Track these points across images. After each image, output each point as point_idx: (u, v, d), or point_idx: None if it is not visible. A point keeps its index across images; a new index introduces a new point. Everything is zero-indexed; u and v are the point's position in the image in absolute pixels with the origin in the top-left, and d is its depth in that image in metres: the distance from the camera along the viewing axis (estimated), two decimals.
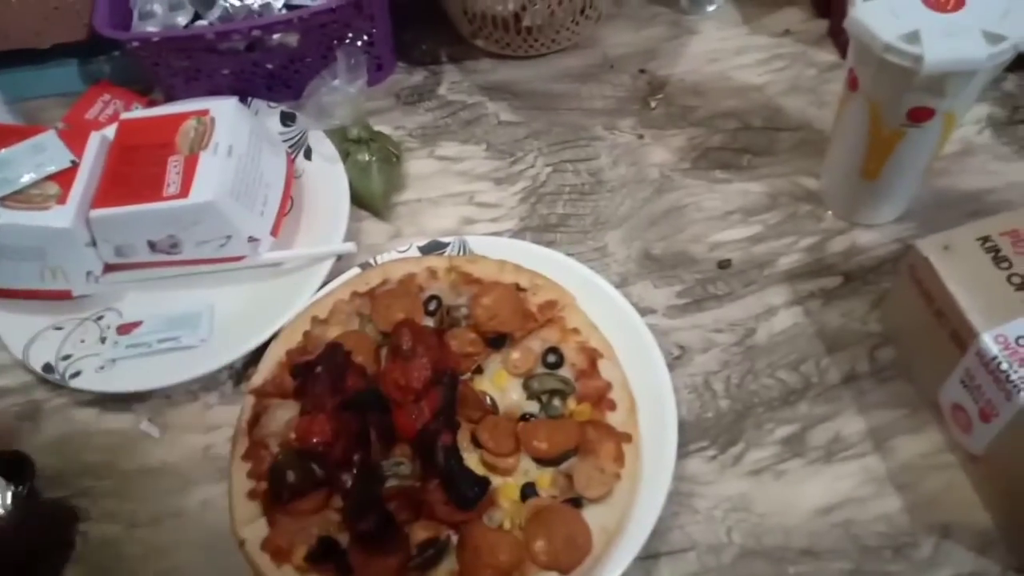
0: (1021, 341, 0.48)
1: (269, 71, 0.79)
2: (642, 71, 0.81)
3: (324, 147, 0.76)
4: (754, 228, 0.68)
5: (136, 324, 0.69)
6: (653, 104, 0.78)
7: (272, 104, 0.79)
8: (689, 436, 0.58)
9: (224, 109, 0.70)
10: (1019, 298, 0.50)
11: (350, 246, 0.70)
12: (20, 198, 0.66)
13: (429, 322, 0.63)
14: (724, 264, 0.67)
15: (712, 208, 0.70)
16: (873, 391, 0.59)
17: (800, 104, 0.76)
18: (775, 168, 0.72)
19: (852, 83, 0.59)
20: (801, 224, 0.68)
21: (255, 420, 0.59)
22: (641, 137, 0.76)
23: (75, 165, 0.68)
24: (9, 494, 0.54)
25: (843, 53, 0.79)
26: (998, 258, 0.52)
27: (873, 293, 0.63)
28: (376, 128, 0.78)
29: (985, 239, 0.53)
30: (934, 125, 0.57)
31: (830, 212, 0.68)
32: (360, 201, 0.75)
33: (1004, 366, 0.48)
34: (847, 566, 0.52)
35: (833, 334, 0.62)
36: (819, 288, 0.64)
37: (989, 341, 0.49)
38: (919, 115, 0.56)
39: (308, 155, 0.77)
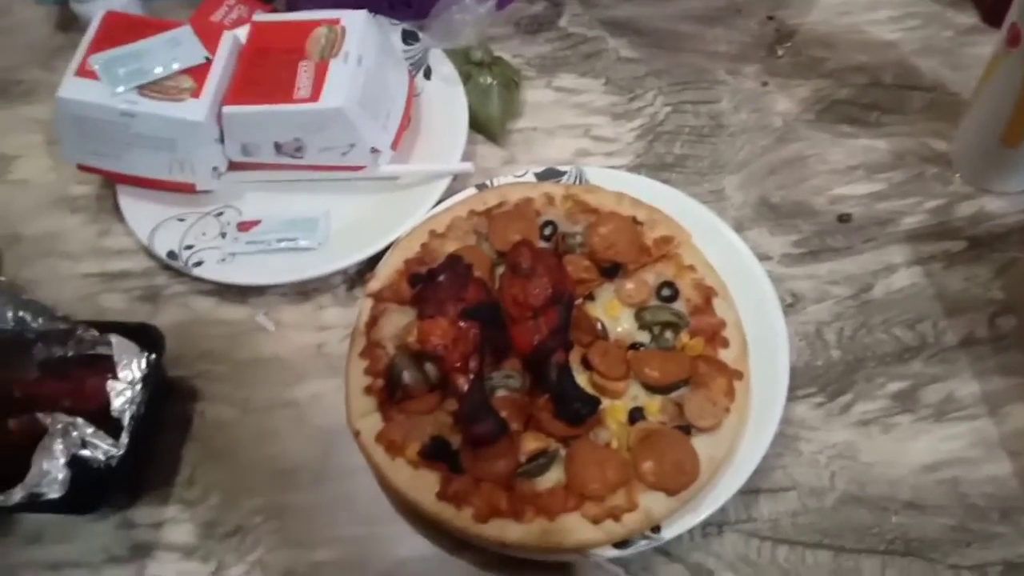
0: None
1: None
2: (770, 18, 0.79)
3: (444, 68, 0.77)
4: (878, 185, 0.67)
5: (255, 223, 0.71)
6: (780, 52, 0.77)
7: (394, 21, 0.79)
8: (798, 382, 0.58)
9: (355, 20, 0.71)
10: None
11: (468, 166, 0.71)
12: (156, 89, 0.68)
13: (544, 246, 0.63)
14: (844, 218, 0.66)
15: (835, 161, 0.69)
16: (990, 357, 0.58)
17: (933, 65, 0.74)
18: (904, 127, 0.70)
19: (1013, 39, 0.57)
20: (927, 185, 0.67)
21: (373, 322, 0.60)
22: (765, 84, 0.75)
23: (208, 61, 0.70)
24: (144, 360, 0.57)
25: (984, 16, 0.76)
26: None
27: (999, 261, 0.62)
28: (495, 54, 0.78)
29: None
30: None
31: (958, 176, 0.67)
32: (477, 125, 0.75)
33: None
34: (951, 522, 0.52)
35: (953, 297, 0.61)
36: (942, 251, 0.63)
37: None
38: None
39: (427, 75, 0.77)
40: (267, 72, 0.69)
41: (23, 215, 0.75)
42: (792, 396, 0.57)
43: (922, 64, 0.74)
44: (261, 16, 0.75)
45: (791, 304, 0.62)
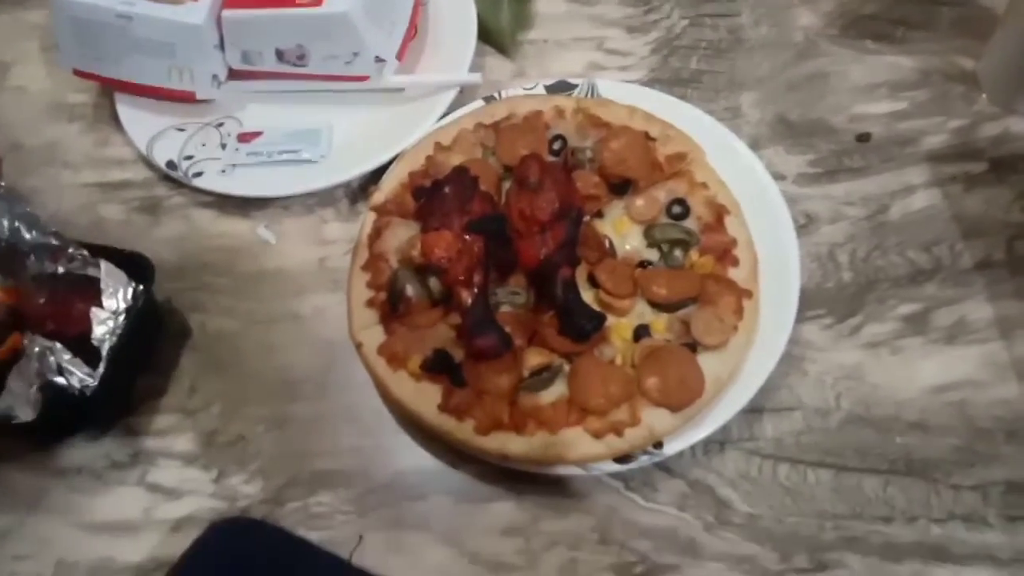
0: None
1: None
2: None
3: None
4: (900, 104, 0.65)
5: (256, 134, 0.69)
6: None
7: None
8: (808, 303, 0.57)
9: None
10: None
11: (476, 77, 0.68)
12: None
13: (553, 161, 0.62)
14: (864, 137, 0.64)
15: (857, 79, 0.67)
16: (1006, 281, 0.57)
17: None
18: (931, 44, 0.67)
19: None
20: (952, 105, 0.64)
21: (376, 235, 0.59)
22: None
23: None
24: (130, 290, 0.56)
25: None
26: None
27: (1020, 184, 0.60)
28: None
29: None
30: None
31: (985, 96, 0.64)
32: (486, 36, 0.72)
33: None
34: (956, 443, 0.52)
35: (972, 220, 0.59)
36: (963, 172, 0.61)
37: None
38: None
39: None
40: None
41: (21, 123, 0.74)
42: (801, 317, 0.56)
43: None
44: None
45: (804, 225, 0.61)
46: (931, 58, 0.67)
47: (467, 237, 0.55)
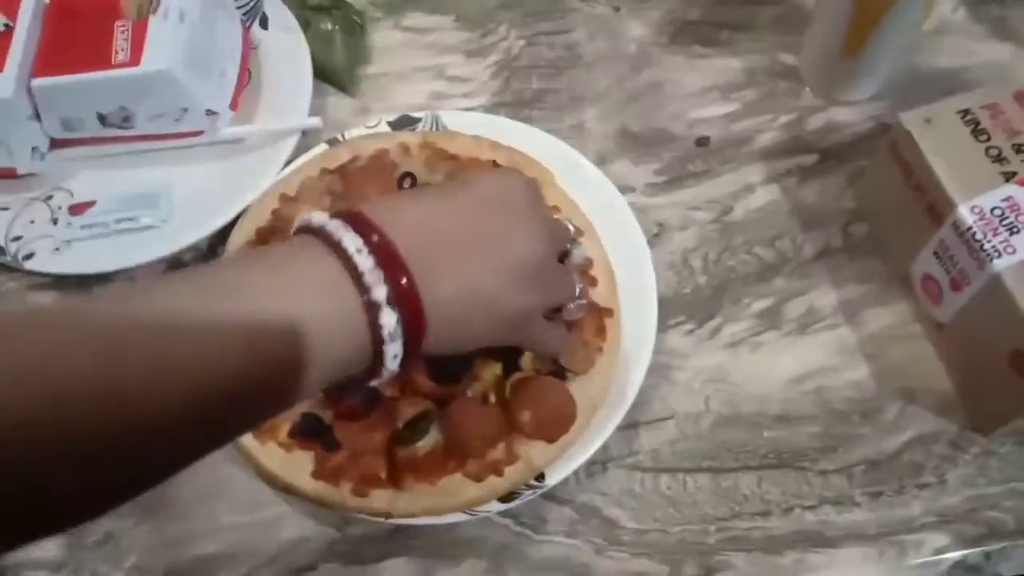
0: (995, 211, 0.49)
1: None
2: None
3: (281, 16, 0.72)
4: (732, 105, 0.68)
5: (90, 204, 0.65)
6: None
7: None
8: (668, 311, 0.58)
9: None
10: (995, 170, 0.51)
11: (315, 121, 0.67)
12: None
13: None
14: (702, 141, 0.66)
15: (690, 85, 0.69)
16: (846, 266, 0.60)
17: None
18: (754, 44, 0.70)
19: None
20: (779, 101, 0.67)
21: None
22: (618, 10, 0.73)
23: (9, 29, 0.63)
24: None
25: None
26: (977, 131, 0.52)
27: (848, 171, 0.64)
28: None
29: (965, 112, 0.53)
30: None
31: (808, 89, 0.68)
32: (323, 74, 0.71)
33: (979, 235, 0.49)
34: (818, 429, 0.55)
35: (809, 211, 0.62)
36: (796, 165, 0.64)
37: (965, 212, 0.50)
38: None
39: (264, 24, 0.72)
40: (78, 37, 0.62)
41: None
42: (664, 326, 0.57)
43: None
44: None
45: (657, 234, 0.62)
46: (756, 57, 0.70)
47: None
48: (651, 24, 0.72)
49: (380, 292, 0.37)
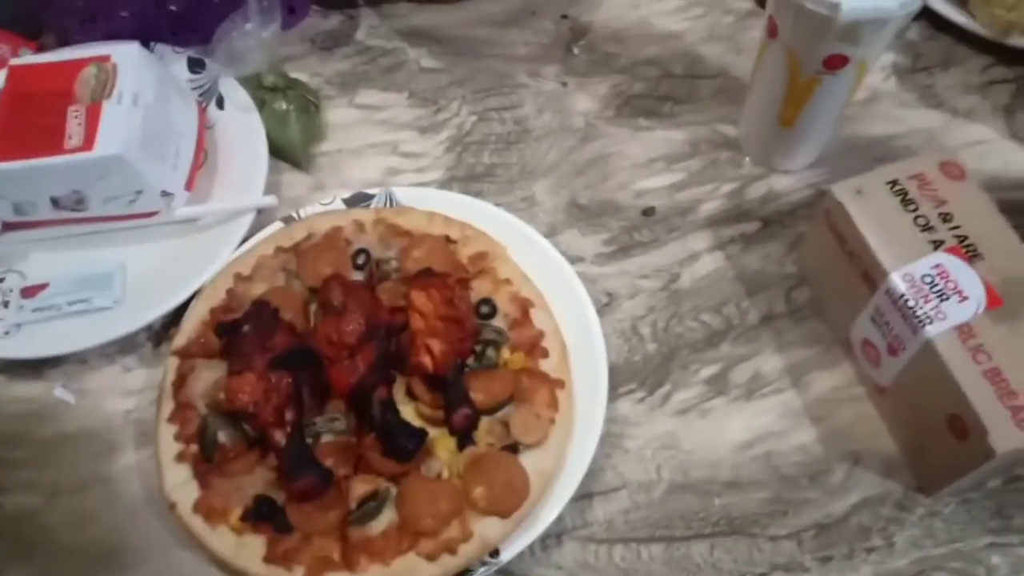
0: (926, 279, 0.51)
1: (173, 13, 0.74)
2: (564, 17, 0.80)
3: (237, 95, 0.73)
4: (677, 175, 0.70)
5: (42, 286, 0.65)
6: (576, 51, 0.78)
7: (178, 49, 0.75)
8: (619, 379, 0.59)
9: (126, 55, 0.66)
10: (924, 239, 0.53)
11: (270, 199, 0.68)
12: None
13: (359, 276, 0.62)
14: (648, 211, 0.68)
15: (636, 156, 0.71)
16: (790, 330, 0.62)
17: (718, 51, 0.77)
18: (696, 116, 0.73)
19: (771, 31, 0.60)
20: (721, 171, 0.70)
21: (181, 381, 0.57)
22: (565, 85, 0.76)
23: None
24: None
25: (759, 1, 0.80)
26: (906, 200, 0.55)
27: (789, 236, 0.66)
28: (292, 75, 0.75)
29: (894, 183, 0.55)
30: (848, 72, 0.59)
31: (748, 159, 0.70)
32: (279, 152, 0.72)
33: (911, 303, 0.51)
34: (768, 495, 0.55)
35: (752, 277, 0.64)
36: (739, 233, 0.66)
37: (897, 280, 0.52)
38: (834, 62, 0.58)
39: (220, 104, 0.73)
40: (32, 121, 0.63)
41: None
42: (615, 395, 0.58)
43: (707, 52, 0.77)
44: (20, 59, 0.69)
45: (607, 303, 0.63)
46: (698, 128, 0.72)
47: (272, 375, 0.54)
48: (597, 98, 0.75)
49: None
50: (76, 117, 0.63)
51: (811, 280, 0.63)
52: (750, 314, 0.62)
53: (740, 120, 0.71)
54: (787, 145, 0.67)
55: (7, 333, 0.63)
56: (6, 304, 0.64)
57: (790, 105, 0.63)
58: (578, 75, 0.77)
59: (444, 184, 0.70)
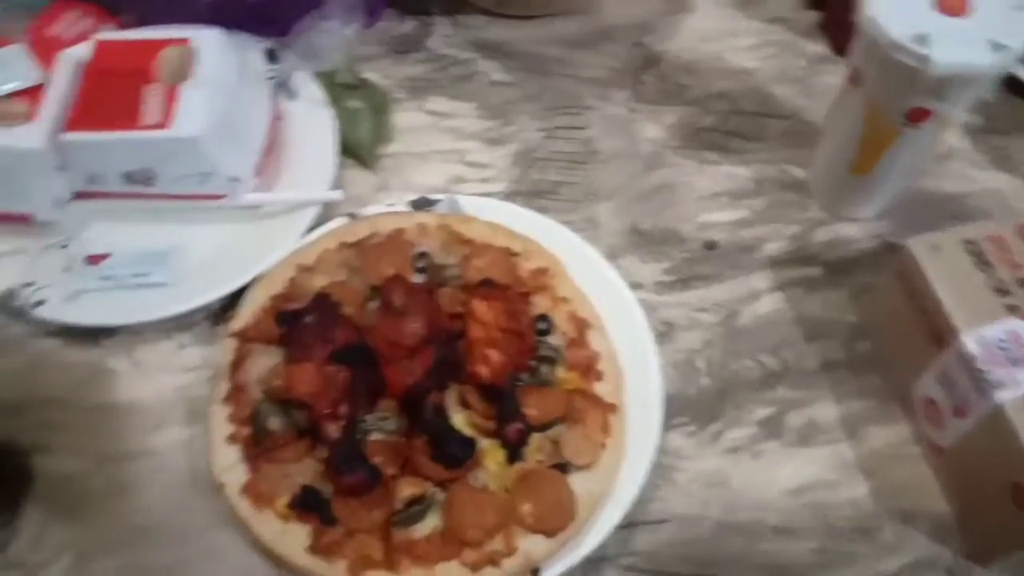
0: (1000, 344, 0.51)
1: (254, 3, 0.75)
2: (638, 44, 0.81)
3: (310, 89, 0.74)
4: (741, 212, 0.70)
5: (104, 256, 0.66)
6: (647, 78, 0.78)
7: (255, 38, 0.76)
8: (671, 411, 0.59)
9: (207, 39, 0.67)
10: (1000, 302, 0.52)
11: (337, 194, 0.68)
12: None
13: (418, 279, 0.62)
14: (711, 245, 0.68)
15: (701, 188, 0.71)
16: (847, 381, 0.61)
17: (789, 93, 0.77)
18: (763, 154, 0.73)
19: (854, 78, 0.60)
20: (786, 212, 0.70)
21: (237, 364, 0.57)
22: (633, 111, 0.76)
23: (43, 83, 0.65)
24: None
25: (833, 47, 0.80)
26: (982, 262, 0.54)
27: (852, 285, 0.65)
28: (364, 75, 0.76)
29: (971, 243, 0.55)
30: (929, 127, 0.59)
31: (815, 202, 0.70)
32: (346, 149, 0.73)
33: (982, 366, 0.50)
34: (815, 545, 0.55)
35: (812, 322, 0.64)
36: (801, 276, 0.66)
37: (969, 341, 0.51)
38: (917, 116, 0.58)
39: (292, 96, 0.74)
40: (112, 95, 0.64)
41: None
42: (666, 426, 0.58)
43: (779, 92, 0.77)
44: (106, 34, 0.70)
45: (663, 333, 0.63)
46: (765, 167, 0.72)
47: (331, 368, 0.54)
48: (665, 127, 0.75)
49: None
50: (155, 96, 0.64)
51: (873, 332, 0.63)
52: (808, 360, 0.62)
53: (810, 164, 0.71)
54: (857, 194, 0.67)
55: (68, 298, 0.63)
56: (68, 269, 0.65)
57: (865, 154, 0.63)
58: (647, 102, 0.77)
59: (507, 197, 0.71)
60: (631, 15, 0.83)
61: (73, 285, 0.64)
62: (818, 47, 0.81)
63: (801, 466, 0.57)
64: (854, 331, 0.63)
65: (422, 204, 0.67)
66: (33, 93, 0.64)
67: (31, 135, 0.62)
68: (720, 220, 0.69)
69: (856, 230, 0.68)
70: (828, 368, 0.62)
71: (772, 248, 0.68)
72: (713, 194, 0.71)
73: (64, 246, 0.66)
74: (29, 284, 0.63)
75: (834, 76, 0.73)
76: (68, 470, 0.58)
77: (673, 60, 0.80)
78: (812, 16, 0.83)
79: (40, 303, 0.62)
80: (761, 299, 0.65)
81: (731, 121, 0.75)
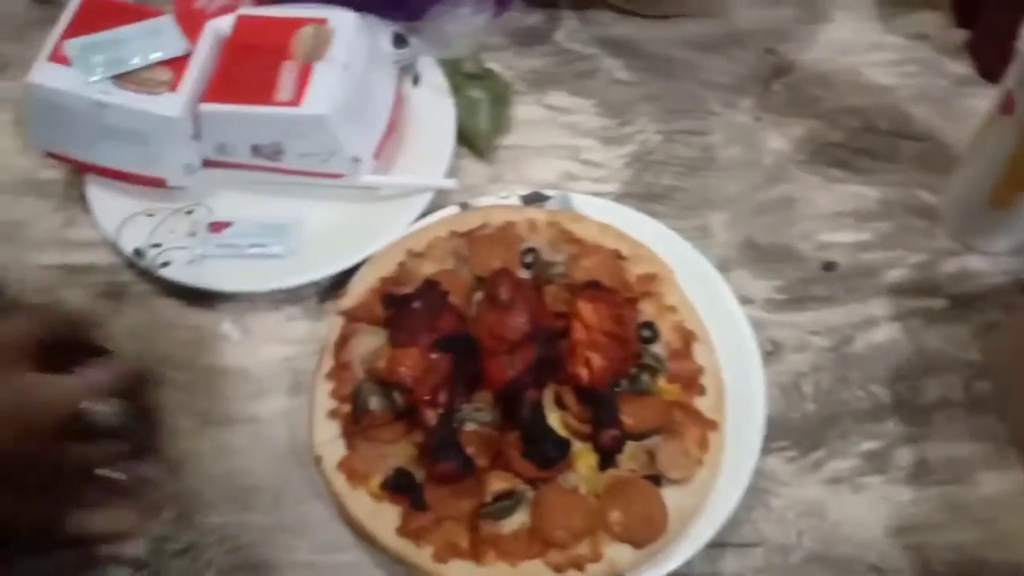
0: None
1: None
2: (769, 51, 0.78)
3: (434, 76, 0.75)
4: (864, 234, 0.67)
5: (227, 224, 0.68)
6: (776, 87, 0.76)
7: (385, 22, 0.77)
8: (772, 433, 0.57)
9: (343, 20, 0.69)
10: None
11: (452, 182, 0.69)
12: (132, 79, 0.66)
13: (525, 274, 0.62)
14: (829, 266, 0.65)
15: (823, 206, 0.68)
16: (963, 421, 0.58)
17: (927, 114, 0.74)
18: (893, 176, 0.70)
19: (1005, 106, 0.57)
20: (913, 239, 0.66)
21: (343, 342, 0.59)
22: (759, 120, 0.74)
23: (188, 54, 0.67)
24: None
25: (980, 69, 0.76)
26: None
27: (977, 322, 0.62)
28: (487, 65, 0.76)
29: None
30: None
31: (944, 231, 0.66)
32: (463, 138, 0.73)
33: None
34: None
35: (931, 356, 0.61)
36: (924, 307, 0.63)
37: None
38: None
39: (416, 82, 0.75)
40: (249, 70, 0.67)
41: None
42: (765, 448, 0.56)
43: (916, 112, 0.73)
44: (247, 9, 0.72)
45: (770, 352, 0.61)
46: (894, 190, 0.69)
47: (434, 355, 0.55)
48: (791, 139, 0.73)
49: None
50: (290, 73, 0.66)
51: (996, 373, 0.59)
52: (923, 395, 0.59)
53: (943, 190, 0.67)
54: (993, 227, 0.63)
55: (191, 262, 0.66)
56: (193, 234, 0.68)
57: (1008, 187, 0.59)
58: (774, 112, 0.74)
59: (619, 198, 0.70)
60: (764, 20, 0.80)
61: (196, 250, 0.67)
62: (963, 68, 0.76)
63: (905, 505, 0.55)
64: (974, 369, 0.60)
65: (534, 199, 0.67)
66: (178, 63, 0.67)
67: (172, 104, 0.65)
68: (841, 241, 0.67)
69: (986, 264, 0.65)
70: (943, 406, 0.59)
71: (894, 275, 0.65)
72: (836, 213, 0.68)
73: (190, 212, 0.70)
74: (157, 245, 0.67)
75: (978, 100, 0.69)
76: (177, 427, 0.60)
77: (806, 70, 0.77)
78: (959, 35, 0.79)
79: (166, 264, 0.66)
80: (878, 327, 0.62)
81: (862, 138, 0.72)
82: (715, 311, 0.60)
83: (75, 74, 0.64)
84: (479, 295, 0.61)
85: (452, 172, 0.70)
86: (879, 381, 0.60)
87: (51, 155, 0.69)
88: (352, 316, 0.60)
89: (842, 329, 0.62)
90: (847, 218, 0.68)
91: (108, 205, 0.69)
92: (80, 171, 0.70)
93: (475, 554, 0.50)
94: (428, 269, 0.62)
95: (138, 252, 0.66)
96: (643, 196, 0.70)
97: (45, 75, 0.64)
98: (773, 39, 0.79)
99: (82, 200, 0.70)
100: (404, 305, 0.58)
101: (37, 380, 0.44)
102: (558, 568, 0.50)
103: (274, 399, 0.61)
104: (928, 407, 0.59)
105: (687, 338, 0.58)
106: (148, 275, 0.66)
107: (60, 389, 0.45)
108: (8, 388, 0.43)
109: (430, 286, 0.58)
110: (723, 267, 0.65)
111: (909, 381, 0.60)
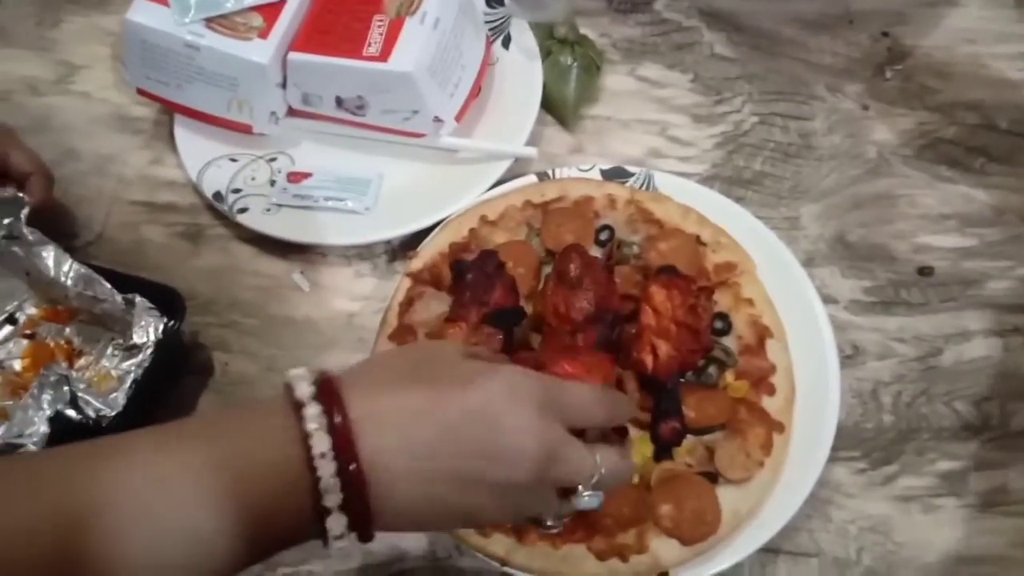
0: None
1: None
2: (885, 34, 0.73)
3: (525, 39, 0.73)
4: (968, 240, 0.62)
5: (306, 175, 0.69)
6: (889, 75, 0.71)
7: None
8: (842, 442, 0.54)
9: None
10: None
11: (532, 151, 0.67)
12: (225, 23, 0.66)
13: (597, 252, 0.60)
14: (926, 271, 0.61)
15: (927, 206, 0.64)
16: None
17: None
18: (1010, 180, 0.64)
19: None
20: (1022, 249, 0.61)
21: (408, 304, 0.58)
22: (866, 108, 0.69)
23: (282, 1, 0.67)
24: (160, 326, 0.56)
25: None
26: None
27: None
28: (581, 31, 0.73)
29: None
30: None
31: None
32: (548, 105, 0.71)
33: None
34: None
35: None
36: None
37: None
38: None
39: (506, 44, 0.73)
40: (340, 21, 0.66)
41: (81, 129, 0.74)
42: (833, 456, 0.53)
43: None
44: None
45: (849, 356, 0.58)
46: (1009, 195, 0.64)
47: (485, 330, 0.53)
48: (899, 132, 0.68)
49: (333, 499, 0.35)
50: (379, 27, 0.65)
51: None
52: (1014, 419, 0.55)
53: None
54: None
55: (267, 210, 0.67)
56: (272, 183, 0.68)
57: None
58: (884, 101, 0.70)
59: (705, 180, 0.67)
60: (881, 1, 0.74)
61: (274, 198, 0.67)
62: None
63: (978, 533, 0.52)
64: None
65: (616, 174, 0.65)
66: (271, 9, 0.67)
67: (262, 51, 0.65)
68: (941, 245, 0.62)
69: None
70: None
71: (996, 287, 0.60)
72: (940, 215, 0.63)
73: (272, 160, 0.70)
74: (237, 190, 0.68)
75: None
76: (243, 372, 0.62)
77: (923, 58, 0.71)
78: None
79: (243, 211, 0.66)
80: (971, 341, 0.58)
81: (979, 136, 0.67)
82: (795, 308, 0.57)
83: (170, 14, 0.65)
84: (548, 269, 0.59)
85: (534, 139, 0.69)
86: (966, 399, 0.56)
87: (143, 93, 0.70)
88: (419, 279, 0.60)
89: (931, 339, 0.58)
90: (951, 221, 0.63)
91: (193, 147, 0.70)
92: (169, 111, 0.71)
93: (518, 532, 0.50)
94: (499, 238, 0.61)
95: (218, 196, 0.67)
96: (731, 180, 0.67)
97: (142, 13, 0.65)
98: (890, 21, 0.73)
99: (169, 140, 0.71)
100: (462, 275, 0.56)
101: None
102: (601, 555, 0.49)
103: (338, 353, 0.62)
104: (1016, 433, 0.55)
105: (761, 334, 0.56)
106: (226, 219, 0.67)
107: None
108: None
109: (484, 257, 0.57)
110: (809, 262, 0.62)
111: (999, 403, 0.56)
